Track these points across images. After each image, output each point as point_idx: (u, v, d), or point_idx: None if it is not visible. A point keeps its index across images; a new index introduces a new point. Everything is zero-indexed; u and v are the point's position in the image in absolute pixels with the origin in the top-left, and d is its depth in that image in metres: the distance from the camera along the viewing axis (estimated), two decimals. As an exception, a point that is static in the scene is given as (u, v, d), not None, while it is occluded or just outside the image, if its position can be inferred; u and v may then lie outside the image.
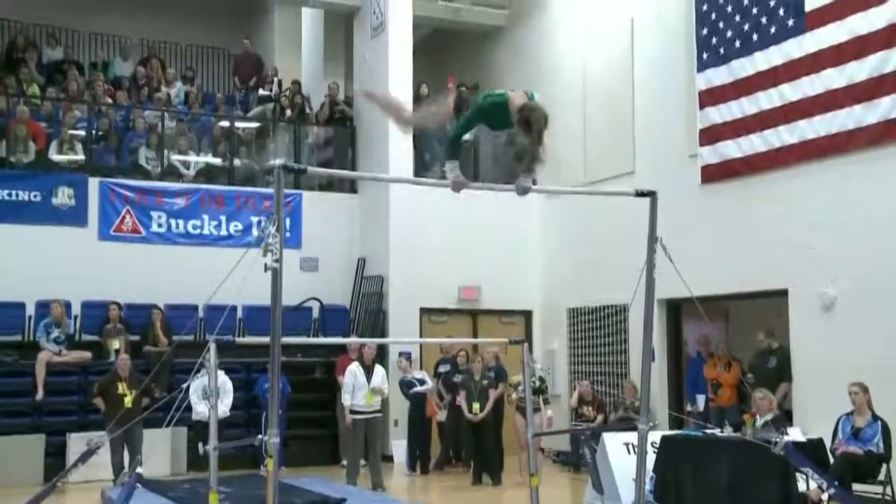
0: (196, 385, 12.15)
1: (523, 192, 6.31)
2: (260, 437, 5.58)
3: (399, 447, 14.57)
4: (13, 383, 13.10)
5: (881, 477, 9.45)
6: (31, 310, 14.07)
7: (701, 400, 13.33)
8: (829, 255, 11.38)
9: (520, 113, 5.83)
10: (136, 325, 14.23)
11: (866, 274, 10.93)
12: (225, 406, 12.31)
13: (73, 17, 18.49)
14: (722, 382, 12.92)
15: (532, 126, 5.76)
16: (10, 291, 13.88)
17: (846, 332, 11.11)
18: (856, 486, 9.29)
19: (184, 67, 19.03)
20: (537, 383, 13.15)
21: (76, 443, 12.29)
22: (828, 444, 9.79)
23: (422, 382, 13.87)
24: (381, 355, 13.99)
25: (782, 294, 12.04)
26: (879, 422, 9.57)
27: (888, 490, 9.39)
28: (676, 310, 13.99)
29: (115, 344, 13.63)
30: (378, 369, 12.41)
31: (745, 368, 12.60)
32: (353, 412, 12.17)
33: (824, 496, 9.11)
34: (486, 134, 16.93)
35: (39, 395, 13.04)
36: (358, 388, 12.13)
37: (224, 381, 12.30)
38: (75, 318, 14.19)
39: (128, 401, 11.68)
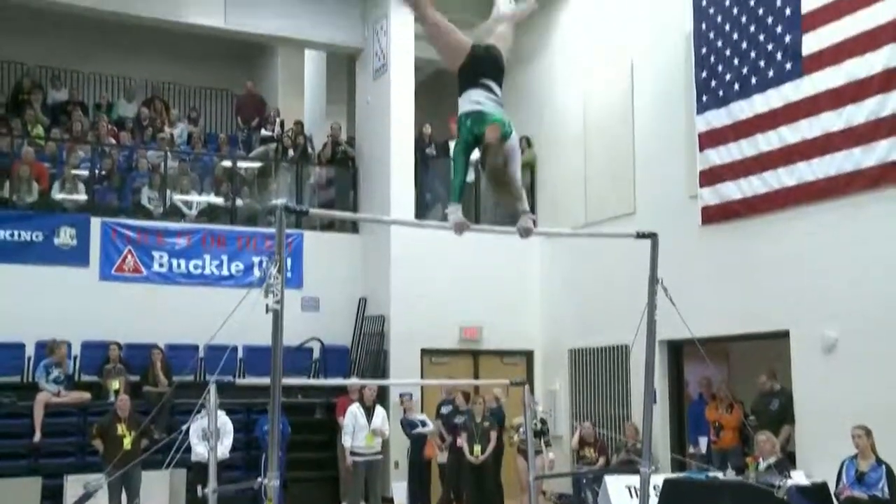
0: (196, 426, 12.11)
1: (525, 233, 6.29)
2: (260, 479, 5.55)
3: (399, 489, 14.46)
4: (10, 425, 12.97)
5: (886, 522, 9.39)
6: (30, 350, 14.00)
7: (703, 442, 13.24)
8: (829, 296, 11.36)
9: (484, 153, 5.95)
10: (137, 365, 14.17)
11: (867, 316, 10.90)
12: (224, 447, 12.23)
13: (78, 59, 18.62)
14: (724, 424, 12.84)
15: (489, 171, 5.94)
16: (9, 332, 13.82)
17: (848, 375, 11.06)
18: (860, 531, 9.22)
19: (188, 108, 19.13)
20: (539, 425, 13.13)
21: (73, 485, 12.18)
22: (832, 489, 9.73)
23: (423, 424, 13.80)
24: (382, 396, 13.95)
25: (784, 336, 12.01)
26: (884, 466, 9.52)
27: (893, 536, 9.32)
28: (678, 351, 13.95)
29: (115, 384, 13.59)
30: (379, 410, 12.37)
31: (747, 410, 12.55)
32: (353, 454, 12.12)
33: (828, 541, 9.08)
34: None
35: (37, 436, 12.92)
36: (358, 430, 12.09)
37: (224, 421, 12.24)
38: (75, 358, 14.12)
39: (127, 442, 11.62)
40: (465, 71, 6.19)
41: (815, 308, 11.50)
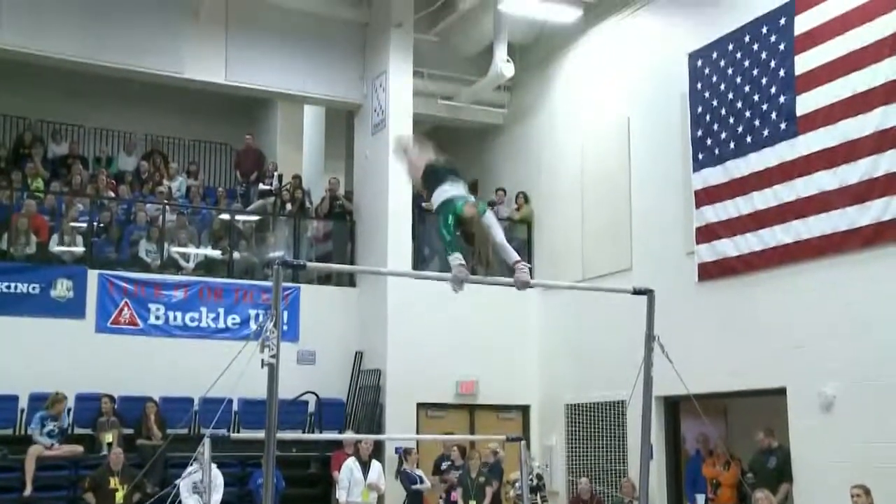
0: (187, 480, 12.04)
1: (522, 286, 6.39)
2: None
3: (394, 545, 14.34)
4: (1, 479, 12.82)
5: (885, 583, 9.31)
6: (24, 402, 13.91)
7: (700, 499, 13.15)
8: (826, 353, 11.34)
9: (463, 226, 6.53)
10: (131, 417, 14.08)
11: (864, 374, 10.88)
12: (214, 502, 12.11)
13: (79, 114, 18.74)
14: (721, 482, 12.75)
15: (472, 242, 6.52)
16: (3, 384, 13.73)
17: (846, 433, 11.00)
18: None
19: (187, 162, 19.23)
20: (535, 481, 13.04)
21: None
22: (830, 548, 9.65)
23: (421, 480, 13.67)
24: (378, 450, 13.86)
25: (781, 392, 11.96)
26: (882, 525, 9.47)
27: None
28: (674, 407, 13.89)
29: (109, 437, 13.46)
30: (375, 465, 12.29)
31: (744, 467, 12.45)
32: (348, 509, 12.01)
33: None
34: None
35: (28, 490, 12.72)
36: (354, 484, 12.00)
37: (216, 475, 12.13)
38: (69, 410, 14.04)
39: (119, 496, 11.57)
40: (427, 177, 7.00)
41: (813, 365, 11.48)
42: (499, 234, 6.56)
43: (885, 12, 10.88)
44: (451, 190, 6.70)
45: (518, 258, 6.42)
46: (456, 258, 6.28)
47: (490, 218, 6.64)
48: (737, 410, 14.47)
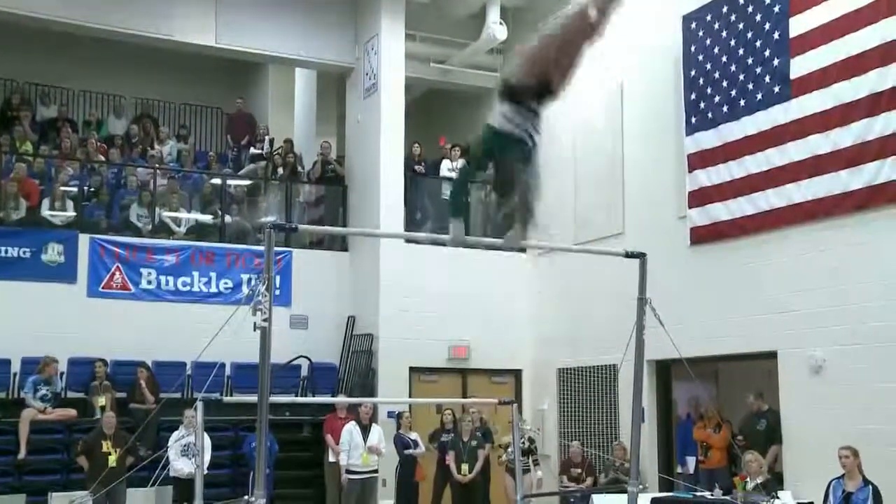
0: (177, 443, 12.13)
1: (515, 243, 6.28)
2: (247, 497, 5.54)
3: (388, 508, 14.44)
4: (-1, 441, 12.94)
5: (873, 543, 9.41)
6: (16, 366, 13.95)
7: (691, 462, 13.25)
8: (817, 317, 11.40)
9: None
10: (123, 382, 14.12)
11: (854, 337, 10.95)
12: (203, 463, 12.16)
13: (68, 76, 18.62)
14: (712, 444, 12.84)
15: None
16: (-5, 347, 13.84)
17: (836, 395, 11.08)
18: (847, 552, 9.23)
19: (177, 126, 19.15)
20: (527, 444, 13.11)
21: (59, 502, 12.10)
22: (819, 509, 9.75)
23: (415, 444, 13.71)
24: (372, 415, 13.92)
25: (771, 356, 12.04)
26: (870, 486, 9.53)
27: (879, 556, 9.33)
28: (666, 370, 13.95)
29: (101, 401, 13.52)
30: (375, 428, 12.37)
31: (735, 430, 12.58)
32: (348, 472, 12.07)
33: (816, 562, 9.09)
34: (475, 193, 17.08)
35: (22, 453, 12.81)
36: (354, 448, 12.07)
37: (205, 439, 12.16)
38: (62, 374, 14.08)
39: (112, 459, 11.61)
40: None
41: (803, 329, 11.55)
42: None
43: (882, -26, 10.86)
44: (520, 121, 5.79)
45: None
46: (458, 225, 6.14)
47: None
48: (728, 374, 14.55)
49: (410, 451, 13.58)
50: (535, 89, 5.74)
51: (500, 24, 16.31)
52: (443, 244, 6.29)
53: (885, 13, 10.74)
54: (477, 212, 16.94)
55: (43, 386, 13.46)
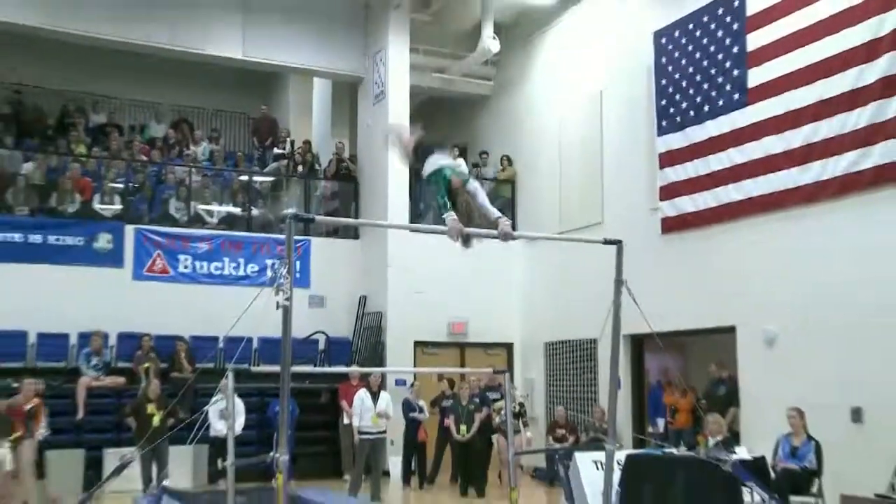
0: (214, 407, 12.20)
1: (506, 237, 6.36)
2: (271, 454, 5.58)
3: (395, 464, 14.49)
4: (58, 404, 12.89)
5: (814, 490, 9.48)
6: (73, 340, 14.09)
7: (661, 423, 13.33)
8: (770, 297, 11.46)
9: (452, 195, 6.33)
10: (165, 353, 14.21)
11: (803, 314, 11.01)
12: (238, 425, 12.26)
13: (116, 87, 18.62)
14: (679, 408, 12.92)
15: (458, 208, 6.25)
16: (56, 324, 13.91)
17: (786, 364, 11.17)
18: (793, 498, 9.29)
19: (210, 129, 19.16)
20: (518, 408, 13.18)
21: (111, 457, 12.22)
22: (769, 462, 9.81)
23: (421, 410, 13.78)
24: (381, 383, 13.99)
25: (731, 331, 12.10)
26: (813, 442, 9.64)
27: (819, 502, 9.41)
28: (639, 344, 14.01)
29: (146, 370, 13.64)
30: (383, 395, 12.39)
31: (698, 395, 12.61)
32: (360, 433, 12.13)
33: (766, 507, 9.17)
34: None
35: (80, 414, 12.96)
36: (365, 412, 12.11)
37: (238, 403, 12.27)
38: (112, 347, 14.19)
39: (156, 420, 11.68)
40: (418, 153, 6.94)
41: (758, 307, 11.61)
42: (481, 197, 6.45)
43: (825, -4, 10.91)
44: (440, 160, 6.59)
45: (499, 214, 6.37)
46: (450, 215, 6.24)
47: (473, 184, 6.45)
48: (693, 346, 14.57)
49: (415, 415, 13.67)
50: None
51: (494, 38, 16.31)
52: (443, 233, 6.31)
53: (828, 31, 10.81)
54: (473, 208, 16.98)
55: (95, 357, 13.60)
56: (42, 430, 11.13)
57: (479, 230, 6.52)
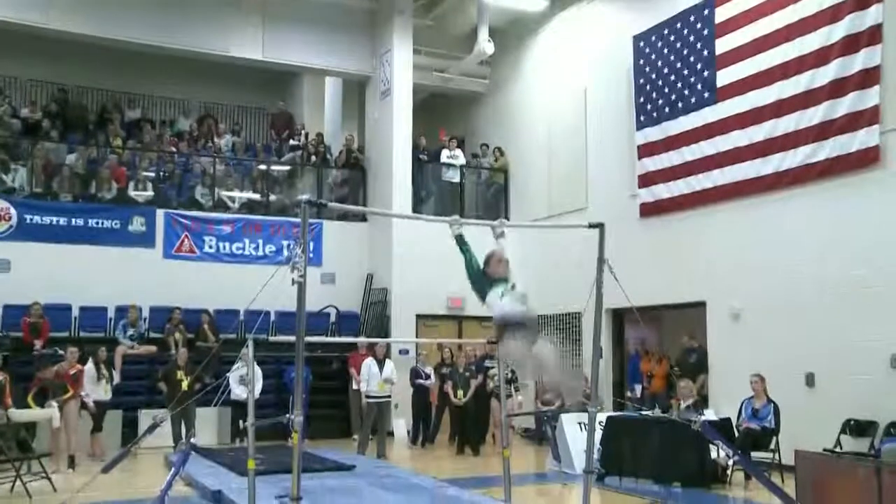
0: (234, 374, 12.28)
1: (499, 235, 6.53)
2: (288, 415, 5.60)
3: (399, 425, 14.58)
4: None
5: (772, 447, 9.61)
6: (111, 313, 14.20)
7: (638, 388, 13.40)
8: (735, 276, 11.54)
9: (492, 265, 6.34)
10: (192, 325, 14.31)
11: (764, 291, 11.10)
12: (257, 390, 12.33)
13: (148, 86, 18.57)
14: (654, 374, 13.00)
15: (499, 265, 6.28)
16: (95, 298, 14.03)
17: (749, 335, 11.28)
18: (754, 454, 9.40)
19: (232, 123, 19.15)
20: (510, 375, 13.19)
21: (145, 417, 12.38)
22: (734, 422, 9.92)
23: (427, 377, 13.76)
24: (386, 352, 14.06)
25: (701, 305, 12.19)
26: (772, 404, 9.75)
27: (776, 457, 9.53)
28: (620, 317, 14.07)
29: (175, 340, 13.77)
30: (388, 363, 12.45)
31: (672, 363, 12.70)
32: (367, 397, 12.21)
33: (730, 462, 9.29)
34: (470, 177, 17.15)
35: (117, 379, 13.01)
36: (372, 378, 12.17)
37: (256, 370, 12.31)
38: (145, 319, 14.28)
39: (184, 385, 11.78)
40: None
41: (726, 284, 11.69)
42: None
43: (783, 7, 10.97)
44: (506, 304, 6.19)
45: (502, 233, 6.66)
46: (455, 224, 6.37)
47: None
48: (667, 319, 14.65)
49: (423, 382, 13.70)
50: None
51: (489, 41, 16.28)
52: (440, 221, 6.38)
53: (785, 38, 10.89)
54: (472, 194, 17.07)
55: (130, 328, 13.70)
56: (85, 393, 11.29)
57: (481, 222, 6.62)
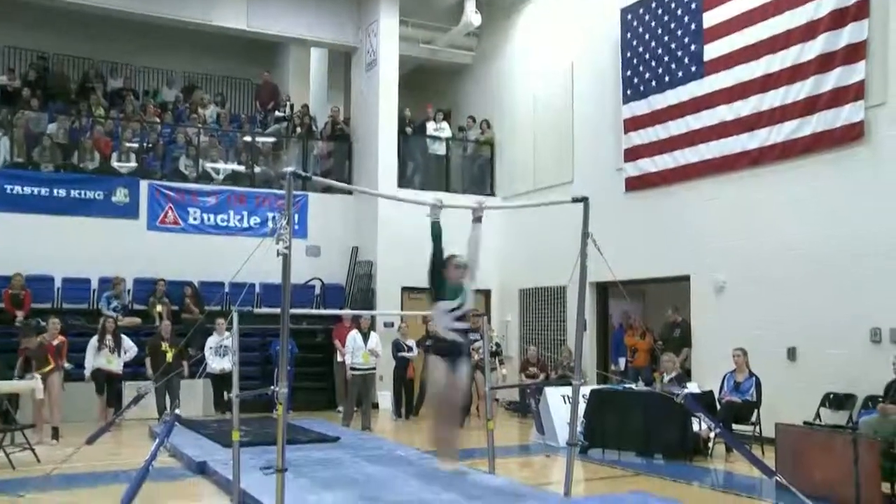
0: (210, 346, 12.30)
1: (476, 219, 6.60)
2: (272, 388, 5.59)
3: (384, 397, 14.64)
4: (81, 342, 12.97)
5: (753, 419, 9.70)
6: (94, 284, 14.13)
7: (622, 362, 13.42)
8: (721, 250, 11.57)
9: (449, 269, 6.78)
10: (176, 297, 14.28)
11: (748, 265, 11.15)
12: (229, 363, 12.28)
13: (131, 55, 18.38)
14: (638, 348, 13.00)
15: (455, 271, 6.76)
16: (78, 269, 13.96)
17: (732, 310, 11.34)
18: (735, 427, 9.50)
19: (216, 94, 18.99)
20: (494, 348, 13.27)
21: (129, 389, 12.28)
22: (716, 395, 10.00)
23: (410, 349, 13.75)
24: (372, 324, 14.06)
25: (686, 279, 12.23)
26: (754, 378, 9.83)
27: (757, 429, 9.63)
28: (604, 291, 14.14)
29: (159, 311, 13.69)
30: (373, 335, 12.44)
31: (656, 337, 12.74)
32: (352, 369, 12.21)
33: (712, 434, 9.38)
34: (456, 150, 17.07)
35: (127, 354, 12.93)
36: (356, 350, 12.16)
37: (229, 342, 12.25)
38: (128, 291, 14.21)
39: (169, 357, 11.75)
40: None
41: (710, 258, 11.73)
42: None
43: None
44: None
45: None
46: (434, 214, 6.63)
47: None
48: (651, 293, 14.71)
49: (405, 354, 13.73)
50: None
51: (476, 12, 16.17)
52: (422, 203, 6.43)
53: (773, 12, 10.84)
54: (458, 167, 17.00)
55: (114, 300, 13.62)
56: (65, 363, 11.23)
57: (461, 205, 6.66)
